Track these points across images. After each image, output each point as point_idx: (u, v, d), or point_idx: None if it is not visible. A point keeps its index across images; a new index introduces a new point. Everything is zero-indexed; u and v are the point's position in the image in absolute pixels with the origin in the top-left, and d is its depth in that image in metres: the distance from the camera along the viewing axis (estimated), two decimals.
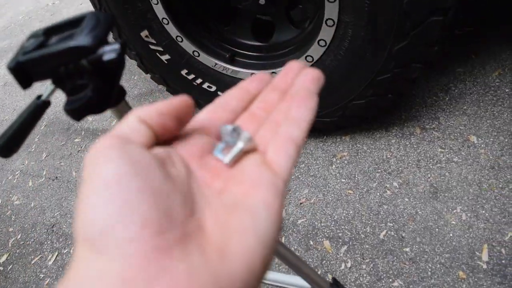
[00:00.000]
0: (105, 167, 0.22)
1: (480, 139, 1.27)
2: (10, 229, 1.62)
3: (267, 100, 0.35)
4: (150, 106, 0.27)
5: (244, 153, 0.28)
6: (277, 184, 0.26)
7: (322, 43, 1.14)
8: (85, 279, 0.19)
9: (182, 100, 0.28)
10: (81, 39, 0.42)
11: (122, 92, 0.52)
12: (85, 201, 0.21)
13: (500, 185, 1.14)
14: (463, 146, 1.27)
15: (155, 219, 0.20)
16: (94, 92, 0.43)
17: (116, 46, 0.41)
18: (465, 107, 1.37)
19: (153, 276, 0.19)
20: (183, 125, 0.29)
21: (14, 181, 1.84)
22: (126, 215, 0.20)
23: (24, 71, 0.43)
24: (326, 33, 1.11)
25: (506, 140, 1.23)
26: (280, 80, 0.36)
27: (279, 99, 0.35)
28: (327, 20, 1.08)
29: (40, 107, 0.53)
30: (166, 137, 0.28)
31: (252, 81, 0.36)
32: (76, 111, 0.43)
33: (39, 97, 0.53)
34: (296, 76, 0.36)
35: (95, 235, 0.20)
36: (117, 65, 0.45)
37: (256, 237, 0.23)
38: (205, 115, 0.32)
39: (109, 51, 0.41)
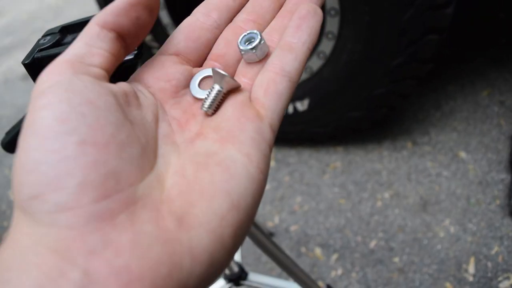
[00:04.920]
0: (43, 111, 0.18)
1: (469, 155, 1.30)
2: (5, 223, 1.61)
3: (256, 10, 0.28)
4: (109, 6, 0.21)
5: (226, 93, 0.23)
6: (262, 131, 0.22)
7: (321, 55, 1.17)
8: (17, 250, 0.16)
9: None
10: None
11: None
12: (19, 157, 0.18)
13: (488, 200, 1.17)
14: (452, 161, 1.30)
15: (96, 182, 0.17)
16: None
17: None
18: (455, 124, 1.41)
19: (91, 249, 0.16)
20: (154, 18, 0.23)
21: (11, 176, 1.83)
22: (60, 176, 0.17)
23: (40, 68, 0.45)
24: (326, 46, 1.14)
25: (494, 157, 1.27)
26: None
27: (273, 9, 0.28)
28: (327, 33, 1.11)
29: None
30: (139, 36, 0.23)
31: None
32: None
33: None
34: None
35: (26, 200, 0.17)
36: (131, 67, 0.47)
37: (229, 200, 0.19)
38: (180, 35, 0.26)
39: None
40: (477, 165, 1.27)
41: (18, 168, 0.17)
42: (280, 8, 0.28)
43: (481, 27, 1.67)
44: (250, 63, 0.25)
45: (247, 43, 0.25)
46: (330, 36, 1.12)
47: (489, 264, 1.05)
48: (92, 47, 0.21)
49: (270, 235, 1.25)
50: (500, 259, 1.05)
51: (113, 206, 0.17)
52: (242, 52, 0.25)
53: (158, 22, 1.29)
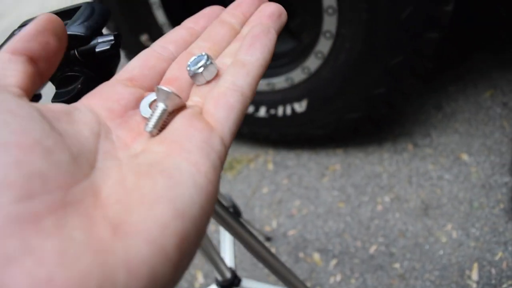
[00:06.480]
0: None
1: (471, 157, 1.27)
2: None
3: (212, 37, 0.28)
4: (17, 35, 0.22)
5: (173, 113, 0.22)
6: (211, 142, 0.21)
7: (319, 55, 1.14)
8: None
9: (46, 16, 0.22)
10: (74, 28, 0.41)
11: None
12: None
13: (491, 204, 1.14)
14: (454, 164, 1.27)
15: (19, 181, 0.15)
16: (84, 84, 0.42)
17: (110, 37, 0.40)
18: (457, 125, 1.38)
19: (8, 256, 0.14)
20: (63, 44, 0.23)
21: None
22: None
23: None
24: (324, 45, 1.12)
25: (497, 159, 1.24)
26: (230, 12, 0.29)
27: (229, 36, 0.28)
28: (325, 32, 1.09)
29: (30, 100, 0.51)
30: (51, 60, 0.23)
31: (200, 17, 0.30)
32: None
33: None
34: (249, 10, 0.29)
35: None
36: (110, 58, 0.44)
37: (172, 208, 0.17)
38: (136, 63, 0.26)
39: (102, 42, 0.40)
40: (480, 168, 1.24)
41: None
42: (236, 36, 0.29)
43: (482, 23, 1.64)
44: (200, 85, 0.25)
45: (195, 66, 0.25)
46: (328, 35, 1.09)
47: (493, 270, 1.01)
48: (4, 70, 0.20)
49: (267, 239, 1.22)
50: (504, 265, 1.02)
51: (37, 207, 0.15)
52: (191, 74, 0.25)
53: (154, 22, 1.27)
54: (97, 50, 0.39)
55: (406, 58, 1.05)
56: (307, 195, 1.32)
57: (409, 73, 1.10)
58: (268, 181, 1.40)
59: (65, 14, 0.45)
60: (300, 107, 1.27)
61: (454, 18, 1.01)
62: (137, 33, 1.33)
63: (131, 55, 1.43)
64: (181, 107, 0.23)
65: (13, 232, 0.14)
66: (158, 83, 0.26)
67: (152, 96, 0.24)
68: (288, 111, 1.29)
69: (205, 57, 0.25)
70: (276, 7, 0.28)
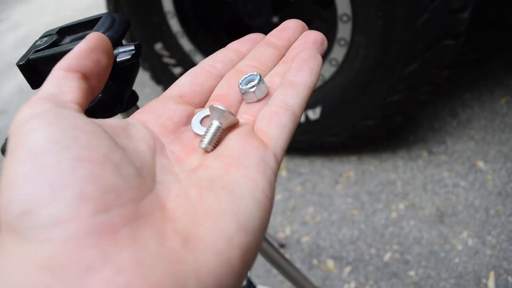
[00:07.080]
0: (34, 134, 0.17)
1: (487, 164, 1.26)
2: None
3: (258, 57, 0.29)
4: (70, 53, 0.22)
5: (226, 130, 0.23)
6: (266, 159, 0.22)
7: (333, 62, 1.15)
8: (4, 270, 0.15)
9: (96, 35, 0.23)
10: None
11: (134, 97, 0.51)
12: (7, 175, 0.17)
13: (508, 212, 1.12)
14: (470, 171, 1.26)
15: (96, 194, 0.16)
16: (106, 94, 0.43)
17: (131, 47, 0.41)
18: (472, 132, 1.36)
19: (88, 265, 0.14)
20: (111, 61, 0.24)
21: None
22: (56, 189, 0.15)
23: (35, 69, 0.43)
24: (338, 53, 1.12)
25: None
26: (276, 35, 0.31)
27: (274, 57, 0.30)
28: (339, 39, 1.09)
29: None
30: (101, 77, 0.23)
31: (245, 41, 0.32)
32: (85, 114, 0.42)
33: None
34: (294, 35, 0.31)
35: (16, 217, 0.15)
36: (131, 67, 0.45)
37: (236, 221, 0.18)
38: (186, 80, 0.28)
39: (123, 52, 0.40)
40: (496, 175, 1.22)
41: (6, 185, 0.16)
42: (281, 58, 0.30)
43: (498, 30, 1.63)
44: (250, 102, 0.26)
45: (247, 84, 0.26)
46: (342, 42, 1.09)
47: (510, 278, 1.00)
48: (61, 87, 0.21)
49: (281, 246, 1.22)
50: None
51: (114, 219, 0.16)
52: (242, 92, 0.26)
53: (168, 31, 1.29)
54: (118, 60, 0.40)
55: (422, 65, 1.05)
56: (321, 202, 1.32)
57: (425, 81, 1.10)
58: (282, 188, 1.40)
59: (86, 24, 0.46)
60: (313, 114, 1.27)
61: (470, 24, 1.01)
62: (151, 42, 1.35)
63: (145, 63, 1.45)
64: (234, 125, 0.24)
65: (92, 243, 0.15)
66: (207, 100, 0.27)
67: (202, 113, 0.25)
68: (302, 118, 1.30)
69: (258, 76, 0.26)
70: (319, 35, 0.29)
